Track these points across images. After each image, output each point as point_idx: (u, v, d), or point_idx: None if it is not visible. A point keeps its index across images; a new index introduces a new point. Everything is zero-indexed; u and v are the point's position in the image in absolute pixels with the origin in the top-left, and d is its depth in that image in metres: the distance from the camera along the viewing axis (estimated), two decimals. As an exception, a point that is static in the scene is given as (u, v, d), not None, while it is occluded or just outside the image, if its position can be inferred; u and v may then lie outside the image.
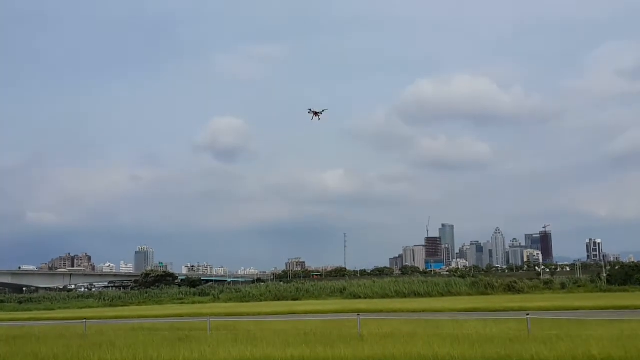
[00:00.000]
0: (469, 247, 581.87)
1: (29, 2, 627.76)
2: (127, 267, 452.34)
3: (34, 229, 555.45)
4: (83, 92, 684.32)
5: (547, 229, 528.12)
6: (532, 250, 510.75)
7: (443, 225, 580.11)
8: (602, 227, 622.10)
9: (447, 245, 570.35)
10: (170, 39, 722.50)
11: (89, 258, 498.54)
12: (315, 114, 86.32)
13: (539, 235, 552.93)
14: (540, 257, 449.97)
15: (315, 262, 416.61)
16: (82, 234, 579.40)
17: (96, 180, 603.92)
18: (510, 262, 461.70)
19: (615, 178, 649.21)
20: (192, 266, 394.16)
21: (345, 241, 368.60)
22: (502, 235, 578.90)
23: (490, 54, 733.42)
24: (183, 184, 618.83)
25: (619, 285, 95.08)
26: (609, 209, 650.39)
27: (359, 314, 34.81)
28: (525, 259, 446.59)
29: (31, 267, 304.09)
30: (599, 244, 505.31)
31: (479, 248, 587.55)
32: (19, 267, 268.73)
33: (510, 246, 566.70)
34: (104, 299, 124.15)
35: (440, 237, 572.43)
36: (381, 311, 56.22)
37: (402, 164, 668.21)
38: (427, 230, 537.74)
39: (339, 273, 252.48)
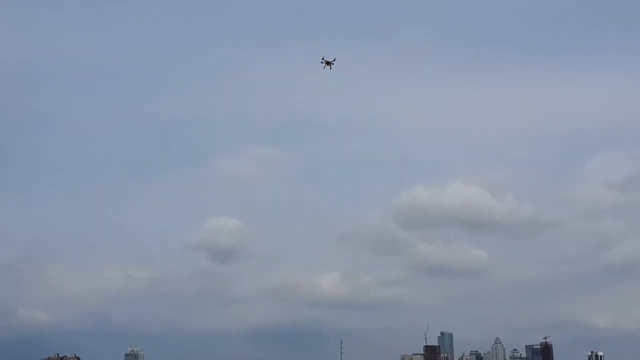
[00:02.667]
0: (468, 357, 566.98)
1: (34, 101, 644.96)
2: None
3: (23, 327, 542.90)
4: (80, 192, 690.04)
5: (548, 340, 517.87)
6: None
7: (442, 333, 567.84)
8: (603, 338, 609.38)
9: (446, 355, 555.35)
10: (169, 143, 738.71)
11: (78, 359, 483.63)
12: (327, 63, 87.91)
13: (539, 347, 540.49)
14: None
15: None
16: (73, 333, 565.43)
17: (90, 279, 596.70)
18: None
19: (615, 288, 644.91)
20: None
21: (341, 347, 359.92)
22: (502, 345, 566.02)
23: (482, 163, 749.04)
24: (177, 284, 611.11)
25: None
26: (610, 320, 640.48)
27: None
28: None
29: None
30: (601, 356, 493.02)
31: (479, 358, 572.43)
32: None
33: (510, 357, 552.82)
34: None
35: (439, 345, 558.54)
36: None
37: (398, 268, 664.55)
38: (426, 338, 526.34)
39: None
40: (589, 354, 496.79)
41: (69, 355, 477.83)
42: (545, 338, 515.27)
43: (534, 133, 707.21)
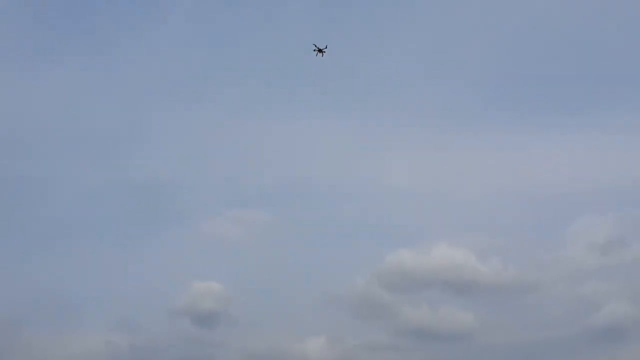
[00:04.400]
0: None
1: (10, 164, 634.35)
2: None
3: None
4: (58, 256, 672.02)
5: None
6: None
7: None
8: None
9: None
10: (152, 205, 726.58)
11: None
12: (320, 50, 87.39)
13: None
14: None
15: None
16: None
17: (69, 345, 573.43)
18: None
19: (602, 351, 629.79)
20: None
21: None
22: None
23: (467, 225, 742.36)
24: (160, 350, 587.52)
25: None
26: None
27: None
28: None
29: None
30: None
31: None
32: None
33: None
34: None
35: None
36: None
37: (384, 332, 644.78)
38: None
39: None
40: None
41: None
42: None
43: (518, 195, 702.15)
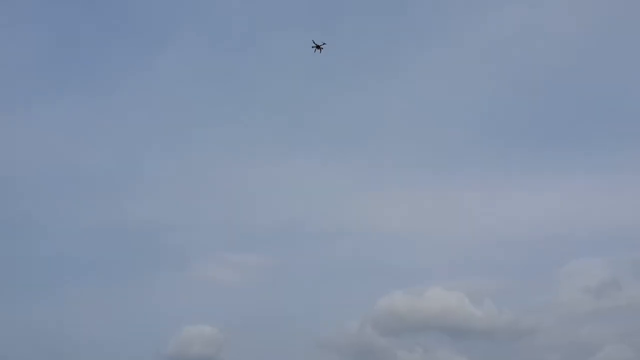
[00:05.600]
0: None
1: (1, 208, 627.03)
2: None
3: None
4: (46, 301, 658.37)
5: None
6: None
7: None
8: None
9: None
10: (144, 248, 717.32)
11: None
12: (318, 47, 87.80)
13: None
14: None
15: None
16: None
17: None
18: None
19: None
20: None
21: None
22: None
23: (461, 268, 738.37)
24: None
25: None
26: None
27: None
28: None
29: None
30: None
31: None
32: None
33: None
34: None
35: None
36: None
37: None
38: None
39: None
40: None
41: None
42: None
43: (512, 238, 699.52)
